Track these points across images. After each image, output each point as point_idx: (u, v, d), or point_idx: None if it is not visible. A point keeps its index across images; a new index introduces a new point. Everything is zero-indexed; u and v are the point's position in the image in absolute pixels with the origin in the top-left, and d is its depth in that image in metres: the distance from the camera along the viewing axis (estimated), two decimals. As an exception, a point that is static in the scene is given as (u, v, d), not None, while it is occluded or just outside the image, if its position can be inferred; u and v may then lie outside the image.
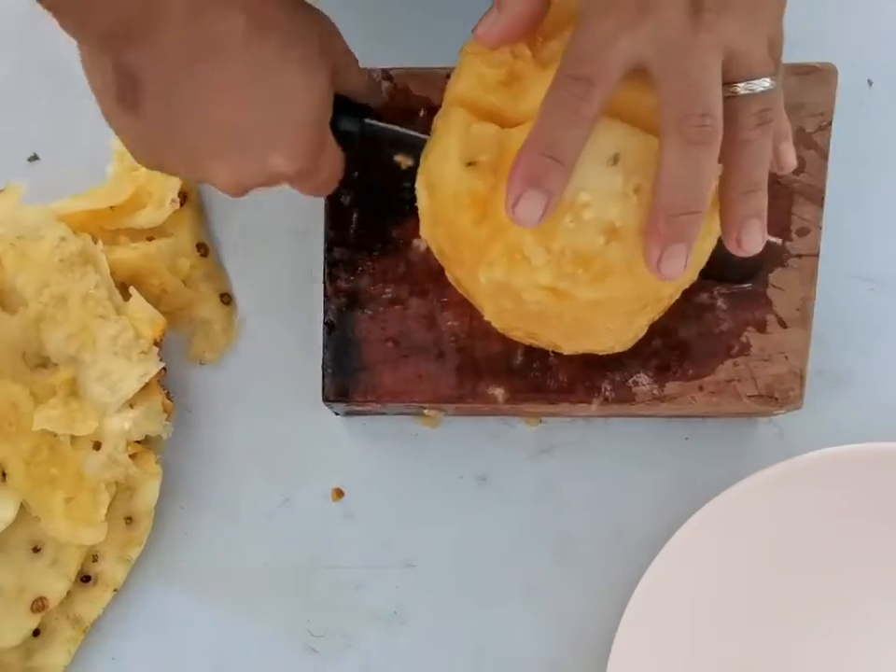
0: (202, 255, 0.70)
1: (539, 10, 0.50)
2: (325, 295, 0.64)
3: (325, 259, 0.64)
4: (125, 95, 0.51)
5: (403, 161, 0.59)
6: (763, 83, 0.48)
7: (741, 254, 0.50)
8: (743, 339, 0.63)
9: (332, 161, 0.56)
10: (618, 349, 0.60)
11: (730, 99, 0.47)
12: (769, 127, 0.49)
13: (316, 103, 0.53)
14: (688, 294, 0.59)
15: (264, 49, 0.50)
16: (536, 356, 0.63)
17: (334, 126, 0.55)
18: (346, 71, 0.56)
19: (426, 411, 0.67)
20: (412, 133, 0.58)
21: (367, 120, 0.57)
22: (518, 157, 0.48)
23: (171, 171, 0.55)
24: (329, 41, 0.54)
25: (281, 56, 0.51)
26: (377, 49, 0.61)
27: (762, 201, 0.50)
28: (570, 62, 0.47)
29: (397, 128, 0.58)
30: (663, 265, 0.49)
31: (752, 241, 0.50)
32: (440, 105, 0.63)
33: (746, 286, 0.63)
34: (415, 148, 0.57)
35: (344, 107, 0.56)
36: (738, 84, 0.47)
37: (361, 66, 0.57)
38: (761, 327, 0.63)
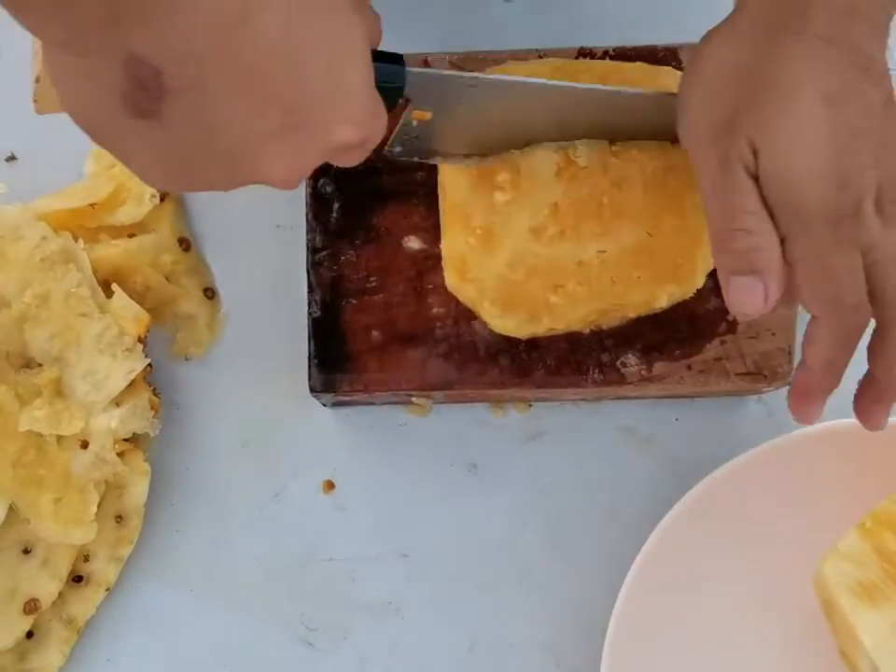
0: (184, 250, 0.69)
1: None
2: (308, 286, 0.64)
3: (307, 249, 0.64)
4: (139, 100, 0.40)
5: (421, 115, 0.56)
6: None
7: None
8: (730, 317, 0.63)
9: (383, 119, 0.49)
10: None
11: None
12: None
13: (368, 62, 0.46)
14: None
15: (302, 7, 0.42)
16: (522, 339, 0.62)
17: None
18: (375, 24, 0.49)
19: (414, 399, 0.66)
20: (461, 73, 0.56)
21: (408, 69, 0.52)
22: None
23: (204, 186, 0.46)
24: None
25: (324, 15, 0.43)
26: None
27: None
28: (830, 298, 0.50)
29: (450, 71, 0.55)
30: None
31: None
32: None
33: None
34: (440, 96, 0.55)
35: (380, 58, 0.50)
36: None
37: None
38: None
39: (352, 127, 0.45)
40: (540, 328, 0.60)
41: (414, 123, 0.56)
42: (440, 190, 0.61)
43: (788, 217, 0.49)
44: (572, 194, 0.59)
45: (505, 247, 0.60)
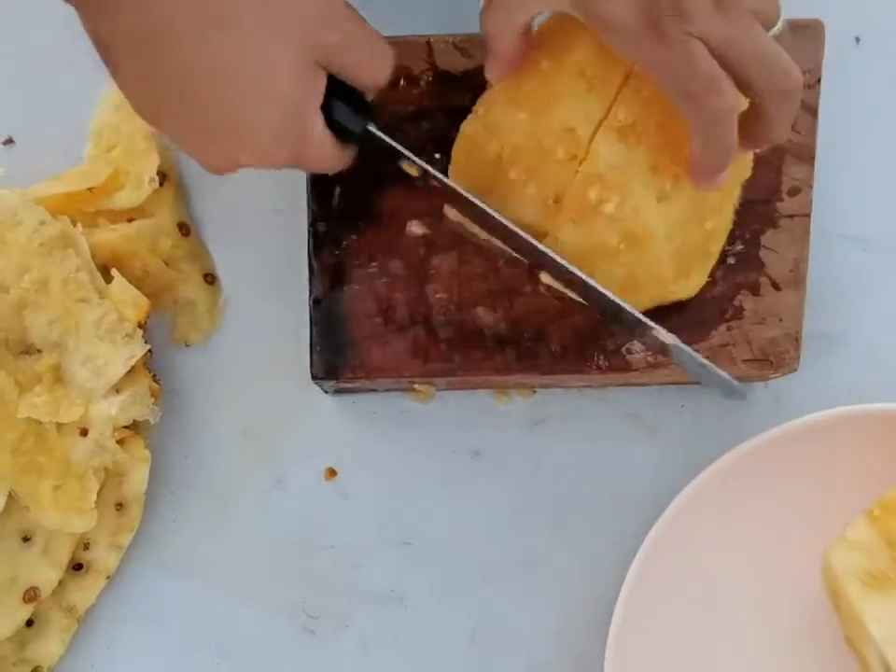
0: (183, 234, 0.69)
1: (521, 46, 0.55)
2: (310, 271, 0.63)
3: (309, 233, 0.63)
4: (104, 61, 0.50)
5: (410, 169, 0.58)
6: (779, 26, 0.52)
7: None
8: (736, 302, 0.62)
9: (320, 151, 0.53)
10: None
11: None
12: None
13: (285, 98, 0.50)
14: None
15: (224, 37, 0.49)
16: (527, 326, 0.62)
17: (330, 112, 0.52)
18: (350, 54, 0.52)
19: (416, 386, 0.66)
20: (413, 157, 0.57)
21: (370, 128, 0.55)
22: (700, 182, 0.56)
23: (167, 134, 0.54)
24: (321, 17, 0.51)
25: (243, 47, 0.49)
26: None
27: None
28: (686, 94, 0.51)
29: (399, 146, 0.56)
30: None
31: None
32: (419, 74, 0.62)
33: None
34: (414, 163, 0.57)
35: (341, 93, 0.53)
36: None
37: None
38: (754, 290, 0.62)
39: (253, 156, 0.52)
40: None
41: (411, 174, 0.58)
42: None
43: (619, 41, 0.51)
44: None
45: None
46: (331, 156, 0.54)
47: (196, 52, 0.49)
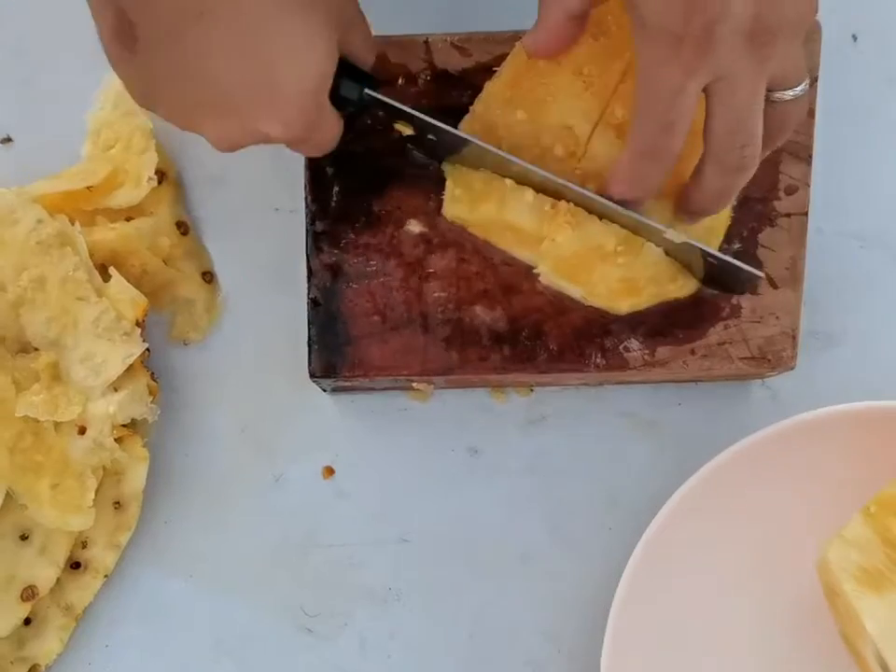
0: (182, 233, 0.69)
1: (577, 26, 0.53)
2: (308, 269, 0.63)
3: (307, 232, 0.63)
4: (122, 35, 0.50)
5: (404, 128, 0.58)
6: (806, 86, 0.52)
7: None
8: (733, 301, 0.62)
9: (329, 127, 0.54)
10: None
11: (772, 104, 0.51)
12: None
13: (316, 70, 0.51)
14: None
15: (262, 7, 0.49)
16: (525, 324, 0.62)
17: (333, 89, 0.53)
18: (354, 33, 0.54)
19: (414, 384, 0.66)
20: (411, 110, 0.57)
21: (366, 91, 0.55)
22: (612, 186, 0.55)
23: (163, 116, 0.54)
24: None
25: (280, 15, 0.49)
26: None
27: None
28: (650, 111, 0.50)
29: (396, 103, 0.56)
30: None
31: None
32: (417, 73, 0.62)
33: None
34: (414, 119, 0.57)
35: (346, 71, 0.54)
36: (786, 93, 0.52)
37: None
38: (751, 288, 0.62)
39: (280, 125, 0.52)
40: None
41: (405, 134, 0.58)
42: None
43: (637, 23, 0.49)
44: None
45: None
46: (335, 128, 0.55)
47: (241, 13, 0.48)
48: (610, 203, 0.56)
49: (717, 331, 0.62)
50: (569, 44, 0.55)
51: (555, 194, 0.59)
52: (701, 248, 0.58)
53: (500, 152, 0.57)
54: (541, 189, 0.59)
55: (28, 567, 0.65)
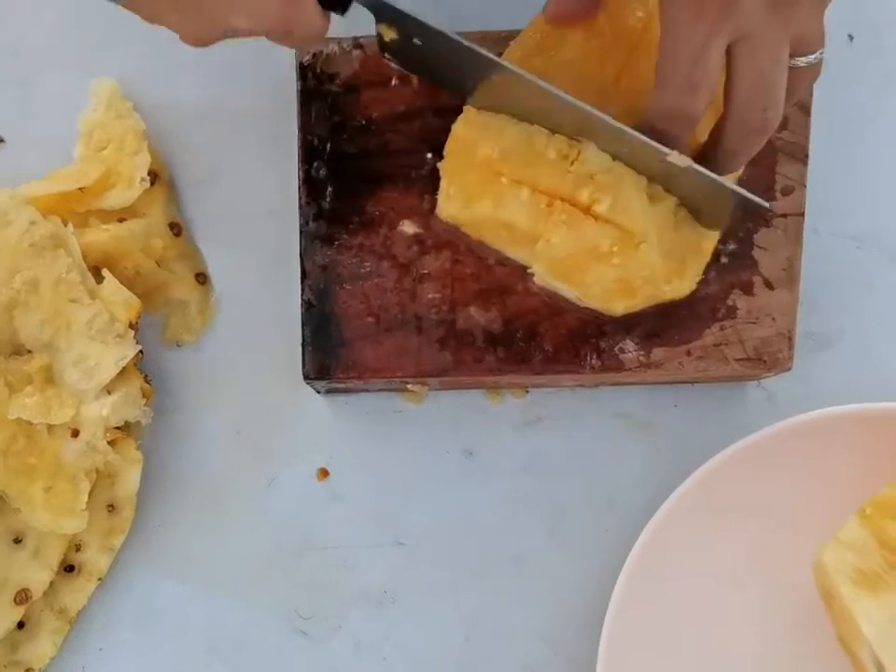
0: (175, 235, 0.68)
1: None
2: (302, 271, 0.63)
3: (301, 233, 0.63)
4: None
5: (387, 32, 0.55)
6: (820, 55, 0.52)
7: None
8: (729, 302, 0.62)
9: (309, 21, 0.51)
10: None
11: (791, 70, 0.51)
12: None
13: None
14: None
15: None
16: (519, 326, 0.62)
17: None
18: None
19: (409, 386, 0.66)
20: (401, 9, 0.54)
21: None
22: None
23: (127, 6, 0.52)
24: None
25: None
26: (348, 18, 0.60)
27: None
28: (674, 72, 0.50)
29: (391, 2, 0.53)
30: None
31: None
32: (411, 74, 0.62)
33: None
34: (399, 20, 0.54)
35: None
36: (800, 59, 0.52)
37: (331, 35, 0.54)
38: (747, 289, 0.62)
39: (247, 18, 0.50)
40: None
41: (387, 38, 0.55)
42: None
43: None
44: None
45: None
46: (318, 23, 0.52)
47: None
48: (643, 137, 0.54)
49: (713, 332, 0.62)
50: (577, 14, 0.56)
51: (574, 129, 0.57)
52: (706, 174, 0.55)
53: (492, 55, 0.54)
54: (544, 119, 0.58)
55: (21, 570, 0.65)
